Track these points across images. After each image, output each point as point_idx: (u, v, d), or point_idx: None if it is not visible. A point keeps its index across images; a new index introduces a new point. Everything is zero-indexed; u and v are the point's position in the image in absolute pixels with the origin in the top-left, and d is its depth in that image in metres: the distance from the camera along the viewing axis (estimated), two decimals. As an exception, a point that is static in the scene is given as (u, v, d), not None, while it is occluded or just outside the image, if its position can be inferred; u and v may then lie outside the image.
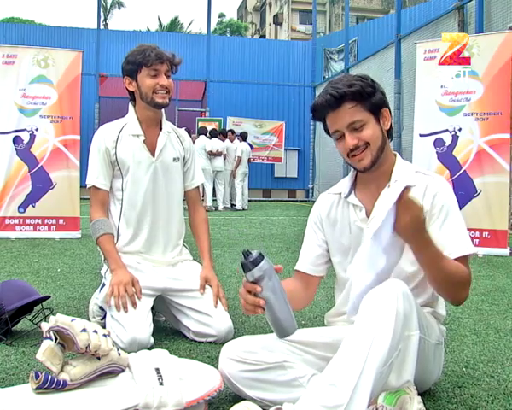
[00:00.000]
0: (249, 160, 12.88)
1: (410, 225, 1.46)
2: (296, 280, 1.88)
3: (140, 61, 2.44)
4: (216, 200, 12.14)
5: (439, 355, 1.76)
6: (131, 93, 2.56)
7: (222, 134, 12.68)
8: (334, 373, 1.39)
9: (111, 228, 2.53)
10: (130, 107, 2.60)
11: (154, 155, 2.55)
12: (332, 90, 1.67)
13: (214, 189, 12.22)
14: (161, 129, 2.60)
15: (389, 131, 1.78)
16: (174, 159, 2.61)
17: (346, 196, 1.81)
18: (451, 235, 1.66)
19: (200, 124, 13.66)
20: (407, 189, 1.46)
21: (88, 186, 2.57)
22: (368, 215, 1.76)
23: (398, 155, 1.82)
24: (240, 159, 12.31)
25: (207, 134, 11.84)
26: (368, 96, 1.68)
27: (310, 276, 1.87)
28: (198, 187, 2.80)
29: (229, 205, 12.64)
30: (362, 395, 1.35)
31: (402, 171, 1.76)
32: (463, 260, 1.64)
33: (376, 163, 1.71)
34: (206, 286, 2.55)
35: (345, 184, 1.85)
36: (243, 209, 12.29)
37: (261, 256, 1.54)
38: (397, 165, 1.77)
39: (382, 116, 1.73)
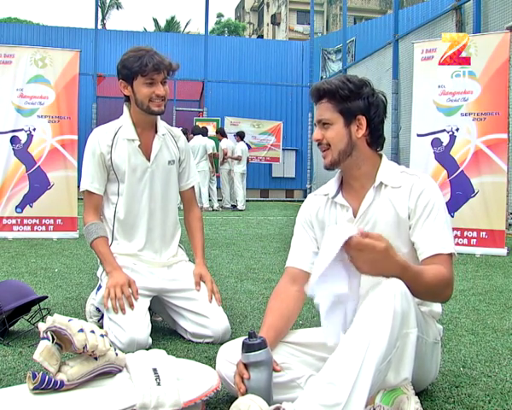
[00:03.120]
0: (248, 159, 12.87)
1: (374, 262, 1.43)
2: (288, 282, 1.86)
3: (136, 69, 2.39)
4: (211, 200, 12.11)
5: (436, 354, 1.77)
6: (126, 95, 2.54)
7: (220, 134, 12.66)
8: (333, 372, 1.40)
9: (105, 231, 2.52)
10: (125, 109, 2.56)
11: (149, 160, 2.54)
12: (319, 83, 1.78)
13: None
14: (156, 132, 2.57)
15: (373, 140, 1.78)
16: (169, 162, 2.60)
17: (334, 197, 1.82)
18: (430, 233, 1.66)
19: (198, 124, 13.61)
20: (351, 238, 1.39)
21: (81, 190, 2.56)
22: (355, 215, 1.77)
23: (384, 156, 1.84)
24: (240, 158, 12.30)
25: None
26: (341, 99, 1.72)
27: (304, 273, 1.85)
28: (193, 186, 2.80)
29: (229, 205, 12.63)
30: (360, 393, 1.35)
31: (387, 172, 1.77)
32: (443, 258, 1.63)
33: (338, 165, 1.77)
34: (202, 285, 2.55)
35: (332, 185, 1.88)
36: (241, 209, 12.29)
37: (263, 345, 1.57)
38: (382, 166, 1.79)
39: (356, 123, 1.74)
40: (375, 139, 1.79)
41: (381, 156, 1.82)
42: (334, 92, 1.72)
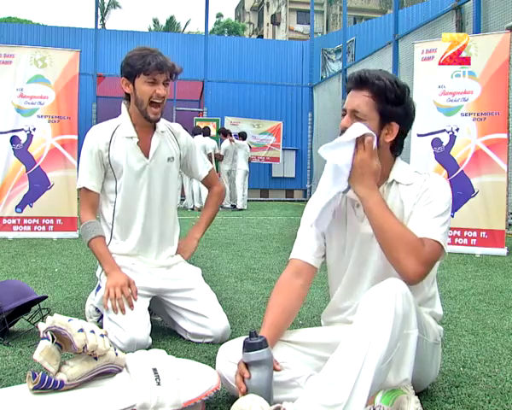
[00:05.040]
0: (249, 159, 12.88)
1: (360, 164, 1.63)
2: (292, 275, 1.83)
3: (139, 68, 2.39)
4: None
5: (436, 355, 1.77)
6: (127, 93, 2.52)
7: (222, 134, 12.64)
8: (333, 372, 1.40)
9: (102, 230, 2.51)
10: (124, 107, 2.55)
11: (147, 157, 2.52)
12: (363, 72, 1.71)
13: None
14: (155, 128, 2.56)
15: (396, 147, 1.78)
16: (169, 159, 2.58)
17: (345, 192, 1.81)
18: (421, 219, 1.64)
19: (198, 124, 13.59)
20: (368, 135, 1.63)
21: (78, 187, 2.55)
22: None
23: (398, 157, 1.82)
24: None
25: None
26: (385, 100, 1.68)
27: (308, 265, 1.83)
28: (210, 170, 2.83)
29: (229, 205, 12.63)
30: (361, 394, 1.36)
31: (400, 171, 1.77)
32: (428, 241, 1.59)
33: None
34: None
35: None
36: (241, 209, 12.29)
37: (264, 344, 1.57)
38: (396, 165, 1.79)
39: (389, 127, 1.72)
40: (398, 147, 1.79)
41: (395, 158, 1.81)
42: (382, 90, 1.68)
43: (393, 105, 1.69)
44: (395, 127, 1.72)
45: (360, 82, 1.70)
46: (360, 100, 1.70)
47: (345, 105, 1.75)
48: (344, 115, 1.74)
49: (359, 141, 1.64)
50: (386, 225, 1.60)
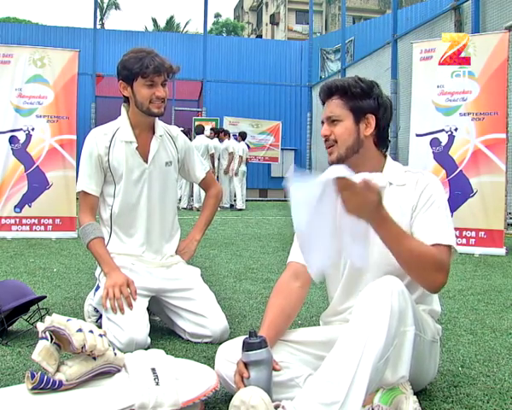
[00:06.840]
0: (247, 159, 12.89)
1: (361, 208, 1.44)
2: (290, 278, 1.84)
3: (137, 71, 2.38)
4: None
5: (434, 353, 1.77)
6: (125, 96, 2.52)
7: (224, 133, 12.64)
8: (331, 370, 1.41)
9: (101, 232, 2.51)
10: (123, 110, 2.55)
11: (146, 161, 2.53)
12: (328, 82, 1.80)
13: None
14: (154, 133, 2.56)
15: (380, 140, 1.80)
16: (166, 163, 2.59)
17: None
18: (430, 223, 1.65)
19: (197, 123, 13.56)
20: (339, 179, 1.42)
21: (78, 190, 2.55)
22: None
23: (388, 156, 1.85)
24: (241, 158, 12.32)
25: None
26: (353, 96, 1.74)
27: (306, 268, 1.80)
28: (208, 171, 2.82)
29: (228, 205, 12.62)
30: (358, 392, 1.36)
31: (392, 171, 1.78)
32: (441, 248, 1.60)
33: (344, 162, 1.72)
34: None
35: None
36: (240, 209, 12.28)
37: (264, 344, 1.58)
38: (387, 165, 1.80)
39: (365, 121, 1.76)
40: (382, 140, 1.81)
41: (385, 157, 1.83)
42: (346, 89, 1.75)
43: (362, 98, 1.75)
44: (371, 119, 1.76)
45: (328, 91, 1.79)
46: (332, 105, 1.78)
47: (322, 117, 1.83)
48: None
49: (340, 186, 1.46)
50: (406, 252, 1.54)
